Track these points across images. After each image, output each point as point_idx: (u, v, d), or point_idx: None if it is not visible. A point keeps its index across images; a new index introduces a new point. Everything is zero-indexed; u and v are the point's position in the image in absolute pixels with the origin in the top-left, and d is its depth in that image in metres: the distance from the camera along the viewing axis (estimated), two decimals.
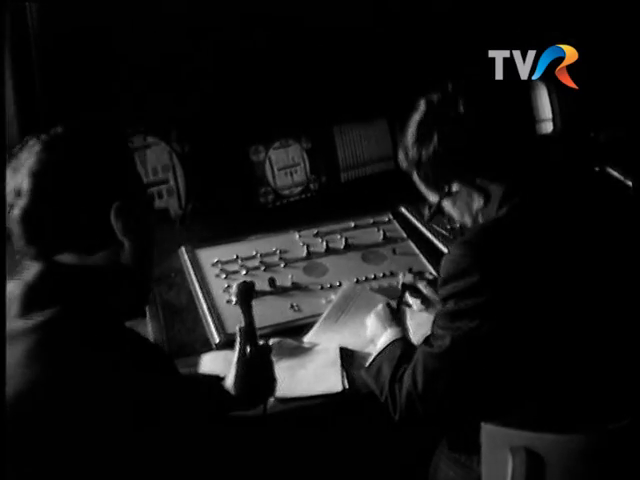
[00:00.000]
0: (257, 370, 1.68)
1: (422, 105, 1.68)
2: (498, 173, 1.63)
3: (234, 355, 1.68)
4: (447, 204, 1.71)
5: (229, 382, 1.68)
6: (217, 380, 1.71)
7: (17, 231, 1.35)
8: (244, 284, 1.71)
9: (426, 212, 1.78)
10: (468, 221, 1.72)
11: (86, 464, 1.20)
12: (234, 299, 1.71)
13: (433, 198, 1.73)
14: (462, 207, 1.69)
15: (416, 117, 1.68)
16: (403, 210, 2.52)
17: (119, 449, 1.21)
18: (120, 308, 1.38)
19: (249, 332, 1.68)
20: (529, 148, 1.70)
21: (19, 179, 1.34)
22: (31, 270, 1.34)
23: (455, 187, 1.66)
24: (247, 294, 1.70)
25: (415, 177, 1.73)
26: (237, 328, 1.69)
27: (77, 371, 1.22)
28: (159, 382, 1.29)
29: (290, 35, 2.61)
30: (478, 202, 1.66)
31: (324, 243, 2.35)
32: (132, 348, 1.29)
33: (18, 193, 1.34)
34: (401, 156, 1.73)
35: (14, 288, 1.32)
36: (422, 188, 1.74)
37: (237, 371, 1.67)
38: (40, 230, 1.34)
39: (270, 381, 1.69)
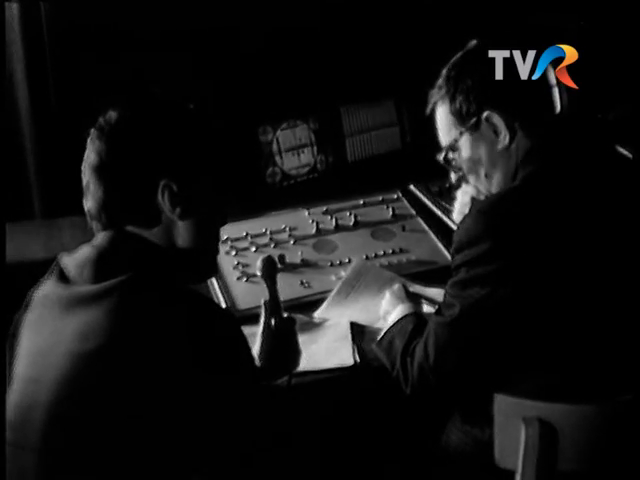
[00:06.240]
0: (282, 342, 1.70)
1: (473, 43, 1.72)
2: (531, 124, 1.65)
3: (259, 328, 1.71)
4: (466, 141, 1.70)
5: (254, 354, 1.69)
6: None
7: (87, 200, 1.42)
8: (268, 258, 1.75)
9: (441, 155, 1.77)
10: (481, 169, 1.71)
11: (159, 408, 1.27)
12: (258, 273, 1.76)
13: (450, 136, 1.73)
14: (481, 146, 1.68)
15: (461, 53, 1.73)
16: (412, 188, 2.52)
17: (185, 396, 1.27)
18: (183, 278, 1.42)
19: (274, 305, 1.72)
20: (556, 118, 1.74)
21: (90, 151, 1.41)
22: (103, 237, 1.39)
23: (486, 116, 1.66)
24: (271, 268, 1.75)
25: (441, 110, 1.73)
26: (262, 301, 1.73)
27: (151, 329, 1.28)
28: (225, 341, 1.33)
29: (298, 16, 2.61)
30: (503, 141, 1.66)
31: (333, 220, 2.34)
32: (198, 307, 1.33)
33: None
34: (438, 82, 1.73)
35: (87, 253, 1.37)
36: (443, 123, 1.74)
37: (262, 343, 1.70)
38: (101, 202, 1.39)
39: (295, 352, 1.72)
